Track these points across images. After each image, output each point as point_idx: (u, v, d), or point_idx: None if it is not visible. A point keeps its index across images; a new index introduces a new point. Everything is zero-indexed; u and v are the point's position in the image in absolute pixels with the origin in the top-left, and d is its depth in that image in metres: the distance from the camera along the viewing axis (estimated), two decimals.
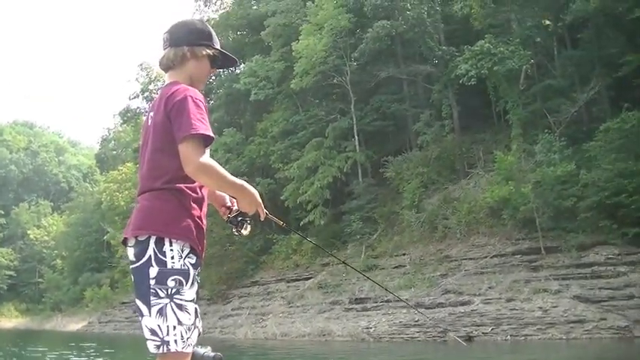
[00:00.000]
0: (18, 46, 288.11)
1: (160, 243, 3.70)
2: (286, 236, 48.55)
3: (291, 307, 41.83)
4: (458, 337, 27.77)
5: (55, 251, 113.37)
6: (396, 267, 38.17)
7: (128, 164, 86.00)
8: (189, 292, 3.69)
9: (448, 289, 32.97)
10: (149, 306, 3.64)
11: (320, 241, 44.25)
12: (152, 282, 3.65)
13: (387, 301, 35.27)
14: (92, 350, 32.07)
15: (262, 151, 50.94)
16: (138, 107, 74.85)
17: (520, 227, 33.49)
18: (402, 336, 31.81)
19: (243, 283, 49.75)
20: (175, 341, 3.60)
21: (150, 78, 72.78)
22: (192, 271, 3.73)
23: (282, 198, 46.78)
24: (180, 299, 3.64)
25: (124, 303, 72.65)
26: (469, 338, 28.86)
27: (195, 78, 4.06)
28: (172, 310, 3.62)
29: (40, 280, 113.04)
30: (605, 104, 35.81)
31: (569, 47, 39.25)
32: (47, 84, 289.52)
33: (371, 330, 33.70)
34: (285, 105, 51.14)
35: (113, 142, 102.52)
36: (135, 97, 73.57)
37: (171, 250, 3.70)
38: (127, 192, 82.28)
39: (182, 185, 3.78)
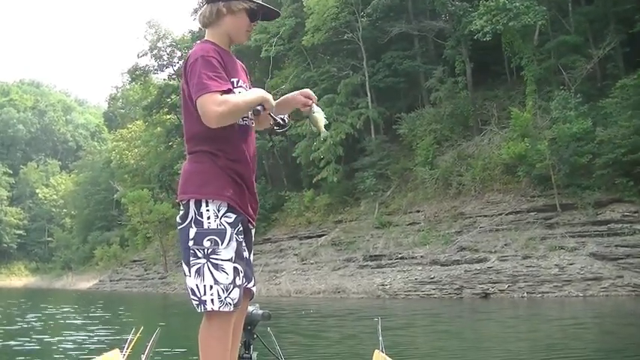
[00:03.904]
0: (24, 4, 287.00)
1: (198, 204, 3.75)
2: (299, 193, 48.70)
3: (304, 264, 42.07)
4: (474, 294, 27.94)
5: (64, 210, 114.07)
6: (410, 224, 38.42)
7: (137, 122, 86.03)
8: (226, 252, 3.71)
9: (463, 247, 33.12)
10: (189, 266, 3.72)
11: (333, 198, 44.53)
12: (191, 243, 3.71)
13: (402, 258, 35.50)
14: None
15: None
16: (147, 65, 74.61)
17: (535, 184, 33.59)
18: (417, 293, 32.03)
19: (256, 241, 49.41)
20: (212, 300, 3.65)
21: (158, 35, 72.55)
22: (229, 230, 3.74)
23: (294, 155, 46.78)
24: (217, 259, 3.68)
25: (134, 261, 73.23)
26: (485, 295, 29.07)
27: (234, 33, 4.02)
28: (209, 269, 3.67)
29: (49, 239, 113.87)
30: (619, 61, 35.62)
31: (584, 3, 38.96)
32: (53, 42, 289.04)
33: (386, 287, 33.91)
34: (296, 62, 51.03)
35: (121, 100, 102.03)
36: (143, 55, 73.27)
37: (207, 210, 3.74)
38: (136, 150, 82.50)
39: (214, 146, 3.80)
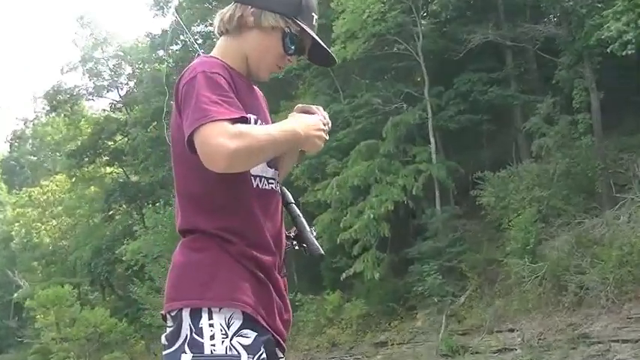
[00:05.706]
0: None
1: (196, 316, 3.69)
2: (316, 297, 48.27)
3: None
4: None
5: None
6: (498, 350, 37.94)
7: (58, 177, 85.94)
8: None
9: None
10: None
11: (372, 306, 44.12)
12: None
13: None
14: None
15: None
16: (76, 86, 74.75)
17: None
18: None
19: None
20: None
21: (96, 40, 72.90)
22: (244, 358, 3.66)
23: None
24: None
25: None
26: None
27: (253, 59, 4.05)
28: None
29: None
30: None
31: None
32: None
33: None
34: (317, 87, 51.12)
35: (32, 141, 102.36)
36: (70, 71, 73.49)
37: (211, 325, 3.67)
38: (54, 222, 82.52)
39: (222, 223, 3.81)
